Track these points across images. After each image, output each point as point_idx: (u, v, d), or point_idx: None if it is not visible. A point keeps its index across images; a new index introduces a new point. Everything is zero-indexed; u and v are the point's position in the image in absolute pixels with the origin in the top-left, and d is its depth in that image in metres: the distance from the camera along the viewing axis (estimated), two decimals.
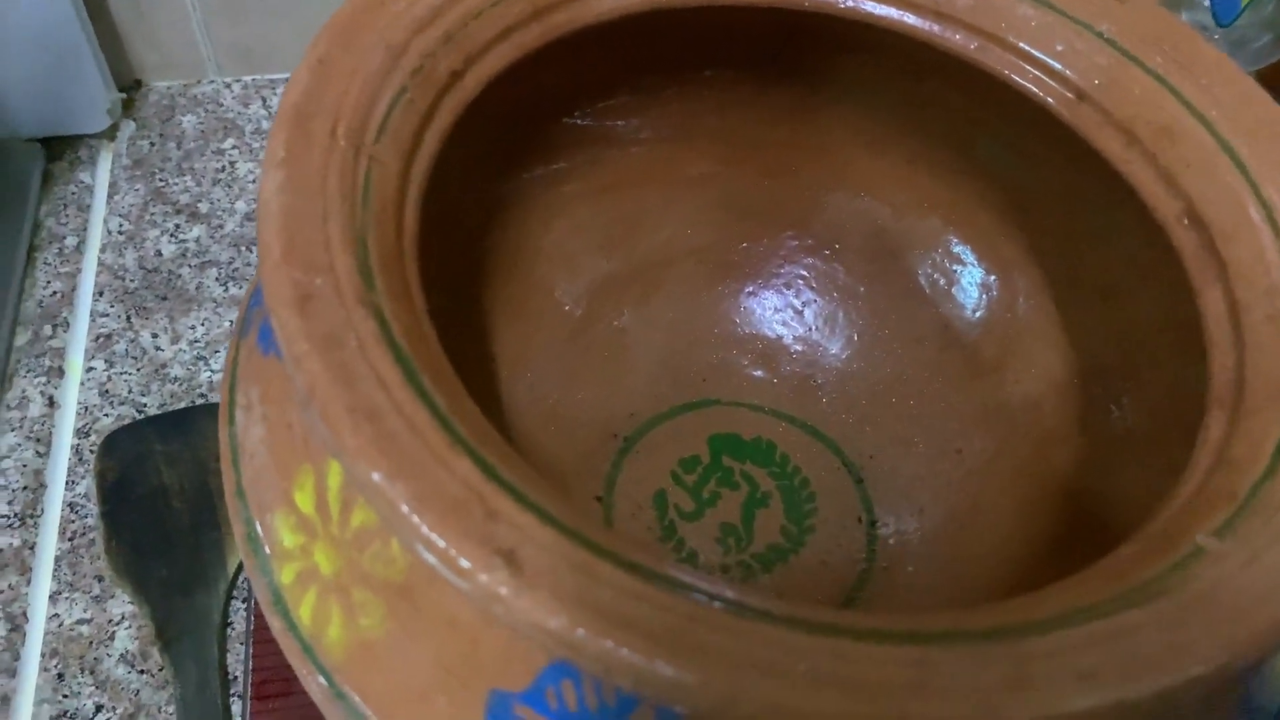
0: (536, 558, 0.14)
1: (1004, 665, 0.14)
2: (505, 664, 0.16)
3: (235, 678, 0.34)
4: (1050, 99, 0.23)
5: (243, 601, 0.35)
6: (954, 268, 0.31)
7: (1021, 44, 0.24)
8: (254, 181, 0.47)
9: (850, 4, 0.25)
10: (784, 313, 0.33)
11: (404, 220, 0.19)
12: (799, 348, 0.33)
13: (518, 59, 0.23)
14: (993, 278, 0.30)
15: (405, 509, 0.14)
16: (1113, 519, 0.25)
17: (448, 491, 0.15)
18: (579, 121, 0.29)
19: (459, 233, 0.27)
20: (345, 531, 0.18)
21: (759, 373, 0.33)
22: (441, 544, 0.14)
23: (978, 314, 0.30)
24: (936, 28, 0.25)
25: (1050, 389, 0.29)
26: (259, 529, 0.19)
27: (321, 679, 0.18)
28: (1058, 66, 0.23)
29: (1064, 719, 0.13)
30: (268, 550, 0.19)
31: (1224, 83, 0.22)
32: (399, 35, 0.21)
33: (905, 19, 0.25)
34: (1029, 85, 0.24)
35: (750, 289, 0.33)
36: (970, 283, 0.31)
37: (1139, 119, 0.22)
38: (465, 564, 0.14)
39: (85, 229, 0.45)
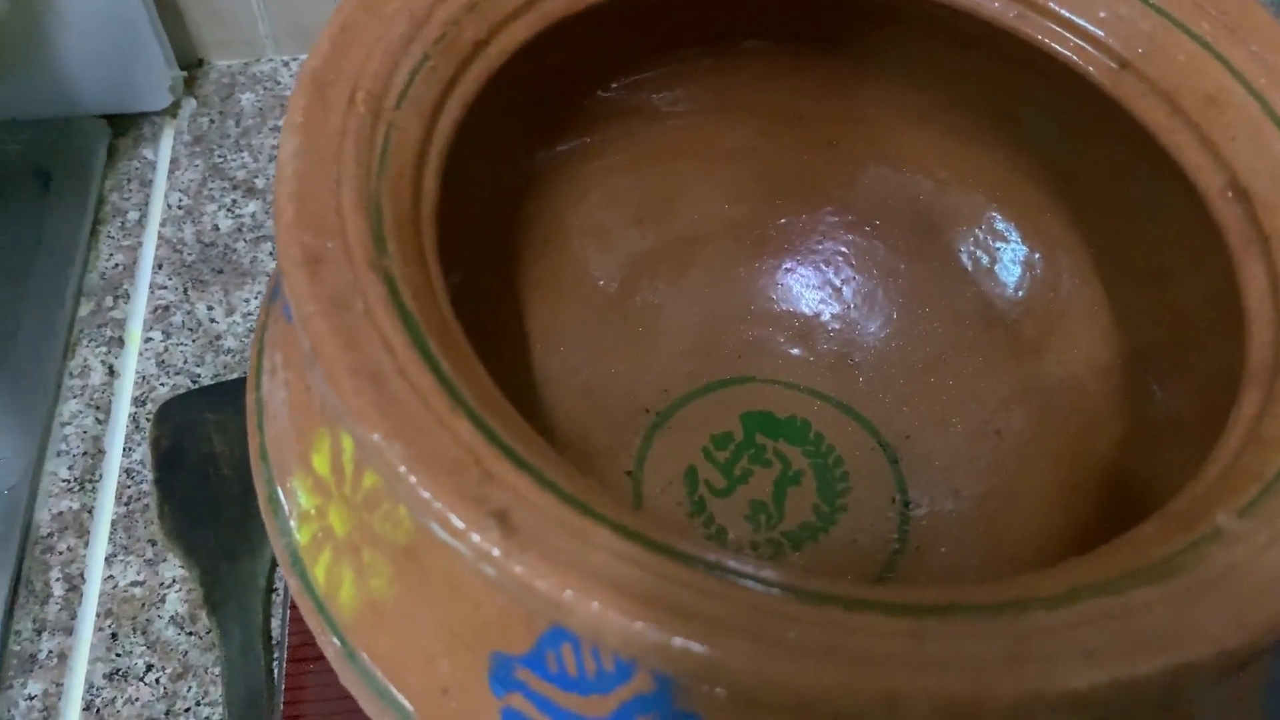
0: (529, 520, 0.14)
1: (1003, 639, 0.13)
2: (507, 627, 0.16)
3: (278, 642, 0.34)
4: (1092, 68, 0.23)
5: None
6: (997, 245, 0.30)
7: (1063, 10, 0.23)
8: None
9: None
10: (822, 290, 0.33)
11: (423, 187, 0.19)
12: (836, 325, 0.32)
13: (545, 29, 0.23)
14: (1037, 255, 0.29)
15: (402, 469, 0.15)
16: (1153, 504, 0.24)
17: (445, 453, 0.15)
18: (613, 94, 0.29)
19: (491, 207, 0.27)
20: (357, 493, 0.18)
21: (795, 350, 0.32)
22: (436, 505, 0.14)
23: (1020, 293, 0.30)
24: None
25: (1092, 370, 0.28)
26: (279, 491, 0.20)
27: (335, 639, 0.19)
28: (1100, 34, 0.23)
29: (1062, 697, 0.13)
30: (287, 511, 0.19)
31: (1275, 49, 0.21)
32: (422, 3, 0.21)
33: None
34: (1070, 54, 0.23)
35: (788, 265, 0.33)
36: (1013, 260, 0.30)
37: (1183, 87, 0.21)
38: (459, 524, 0.14)
39: (147, 203, 0.46)
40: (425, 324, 0.17)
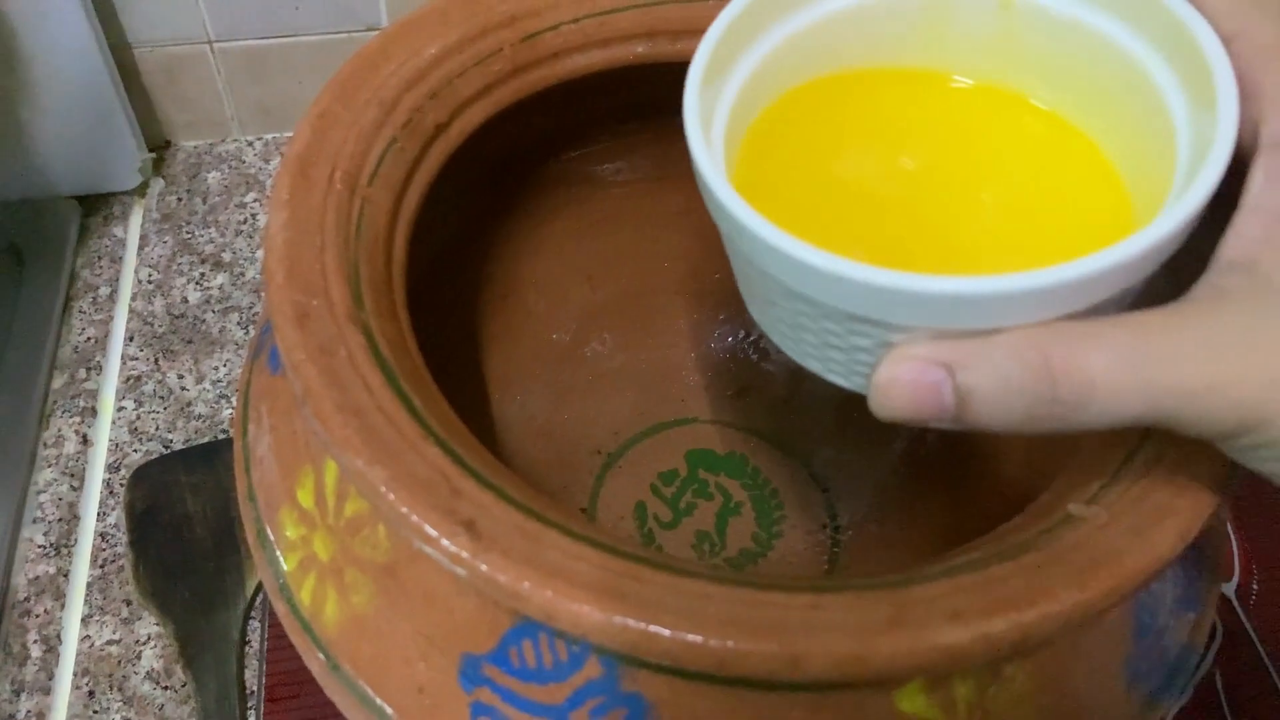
0: (493, 527, 0.17)
1: (886, 608, 0.16)
2: (474, 629, 0.19)
3: (252, 691, 0.36)
4: None
5: (259, 620, 0.38)
6: None
7: None
8: None
9: None
10: (757, 338, 0.36)
11: (393, 251, 0.22)
12: (771, 369, 0.35)
13: (497, 112, 0.26)
14: None
15: (383, 489, 0.17)
16: None
17: (419, 474, 0.17)
18: (563, 165, 0.32)
19: (453, 267, 0.30)
20: (340, 521, 0.20)
21: (733, 392, 0.35)
22: (413, 518, 0.17)
23: None
24: None
25: None
26: (266, 526, 0.22)
27: (320, 654, 0.21)
28: None
29: (935, 651, 0.16)
30: (274, 543, 0.22)
31: None
32: (390, 92, 0.24)
33: None
34: None
35: (724, 316, 0.36)
36: None
37: None
38: (432, 532, 0.17)
39: (117, 279, 0.49)
40: (398, 368, 0.19)
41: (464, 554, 0.17)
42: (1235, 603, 0.34)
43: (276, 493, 0.22)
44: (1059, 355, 0.16)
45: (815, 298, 0.18)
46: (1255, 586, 0.35)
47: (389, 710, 0.20)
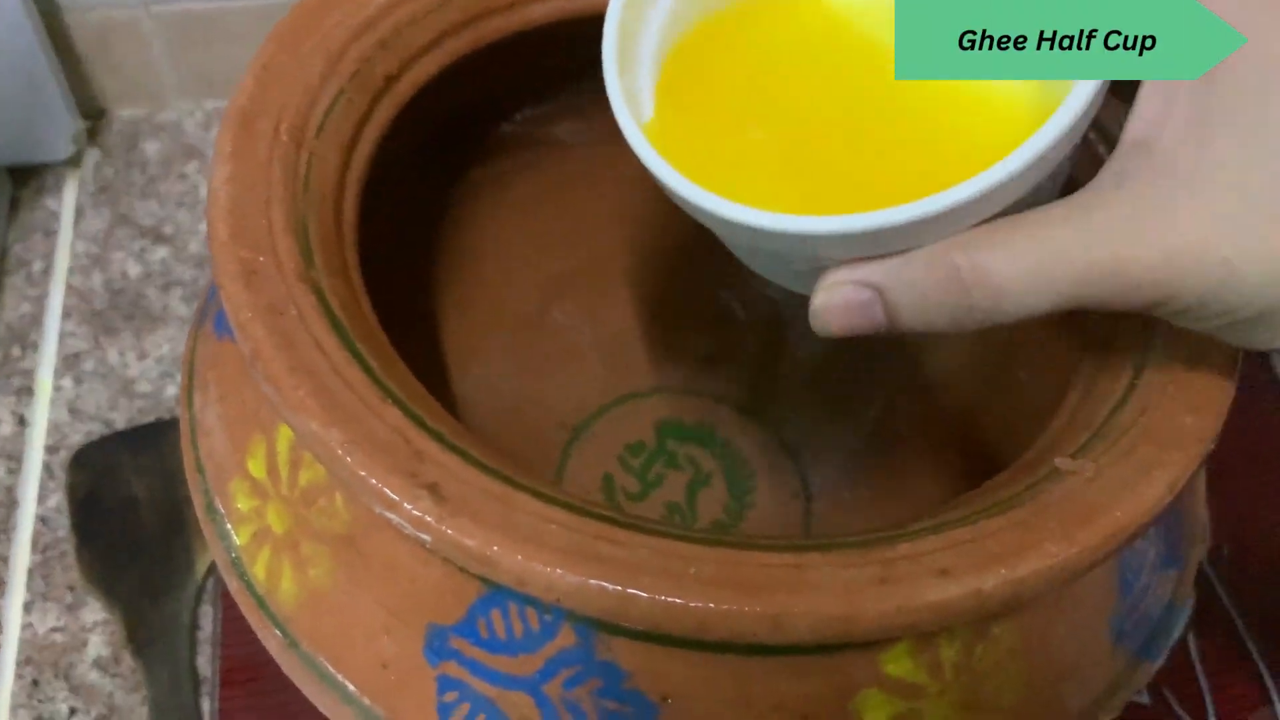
0: (458, 489, 0.16)
1: (872, 566, 0.16)
2: (440, 600, 0.18)
3: (205, 678, 0.35)
4: None
5: (211, 605, 0.36)
6: None
7: None
8: None
9: None
10: (727, 305, 0.35)
11: (343, 209, 0.21)
12: (740, 336, 0.35)
13: (450, 63, 0.25)
14: None
15: (340, 452, 0.16)
16: None
17: (378, 436, 0.16)
18: (517, 126, 0.31)
19: (405, 232, 0.29)
20: (294, 491, 0.19)
21: (702, 361, 0.34)
22: (372, 481, 0.16)
23: None
24: None
25: (969, 366, 0.31)
26: (216, 498, 0.21)
27: (277, 632, 0.20)
28: None
29: (925, 609, 0.15)
30: (224, 516, 0.21)
31: None
32: (337, 43, 0.22)
33: None
34: None
35: (690, 283, 0.35)
36: None
37: None
38: (394, 496, 0.16)
39: (52, 253, 0.47)
40: (352, 328, 0.18)
41: (428, 519, 0.16)
42: (1208, 568, 0.35)
43: (226, 464, 0.21)
44: (965, 264, 0.17)
45: (743, 243, 0.20)
46: (1225, 551, 0.35)
47: (351, 687, 0.19)
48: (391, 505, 0.16)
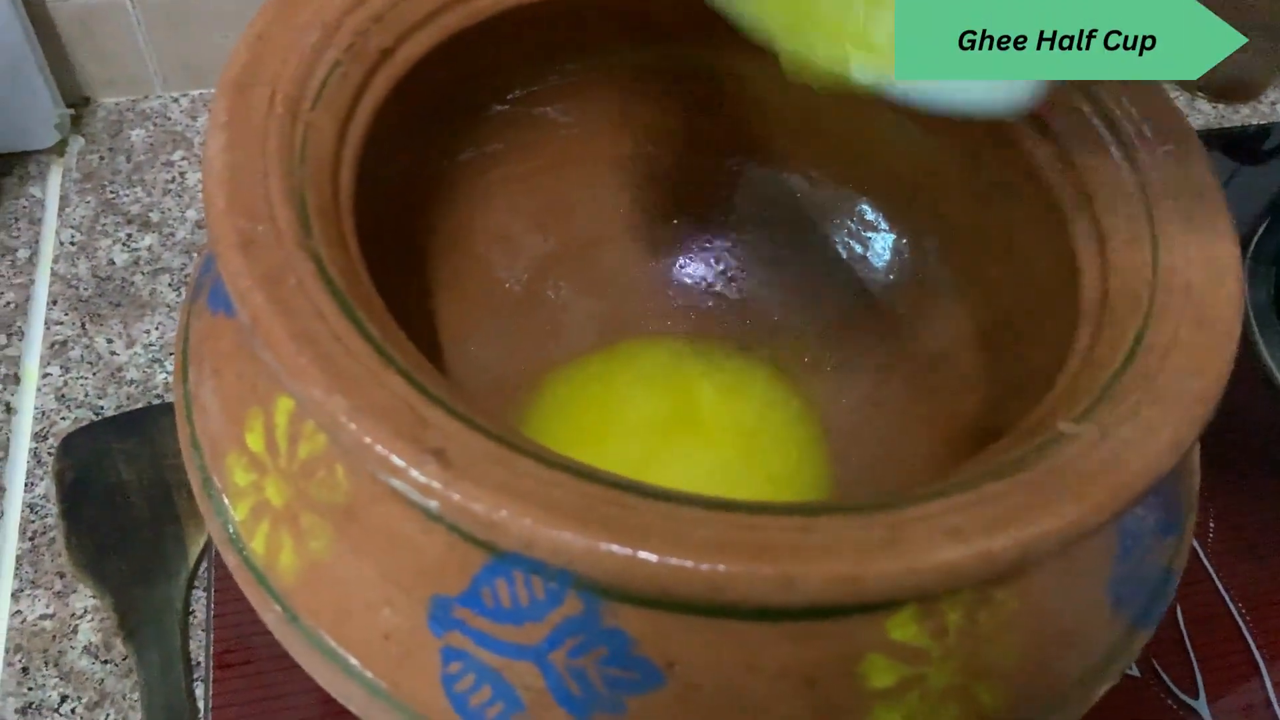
0: (463, 455, 0.16)
1: (880, 528, 0.16)
2: (443, 570, 0.18)
3: (198, 663, 0.35)
4: None
5: (203, 591, 0.36)
6: (868, 234, 0.33)
7: None
8: None
9: None
10: (715, 284, 0.35)
11: (340, 180, 0.21)
12: (730, 316, 0.35)
13: (444, 39, 0.25)
14: (904, 241, 0.32)
15: (344, 419, 0.16)
16: None
17: (382, 403, 0.16)
18: (509, 106, 0.31)
19: (399, 209, 0.29)
20: (293, 463, 0.19)
21: (692, 341, 0.34)
22: (377, 448, 0.16)
23: (891, 275, 0.33)
24: None
25: (960, 341, 0.31)
26: (213, 474, 0.21)
27: (276, 606, 0.20)
28: None
29: (935, 570, 0.15)
30: (222, 491, 0.20)
31: None
32: (332, 14, 0.22)
33: None
34: None
35: (681, 263, 0.35)
36: (883, 247, 0.33)
37: None
38: (399, 462, 0.16)
39: (37, 241, 0.46)
40: (352, 297, 0.18)
41: (435, 484, 0.15)
42: (1195, 543, 0.35)
43: (223, 439, 0.20)
44: None
45: None
46: (1212, 525, 0.36)
47: (353, 661, 0.19)
48: (397, 472, 0.16)
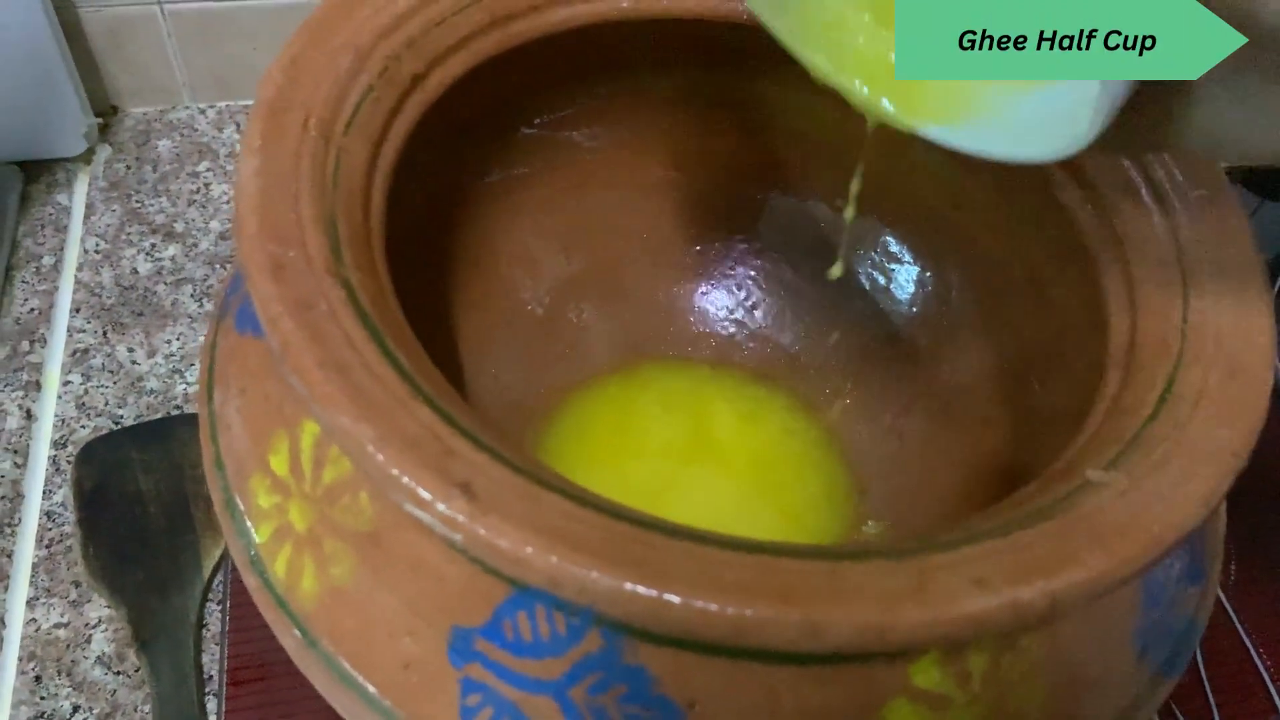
0: (490, 488, 0.16)
1: (907, 575, 0.16)
2: (465, 601, 0.18)
3: (210, 676, 0.35)
4: None
5: (218, 603, 0.36)
6: (891, 265, 0.33)
7: None
8: (228, 202, 0.49)
9: None
10: (735, 310, 0.35)
11: (371, 205, 0.21)
12: (750, 343, 0.35)
13: (476, 65, 0.25)
14: (928, 273, 0.32)
15: (371, 449, 0.16)
16: None
17: (409, 433, 0.16)
18: (536, 130, 0.31)
19: (427, 231, 0.29)
20: (317, 488, 0.19)
21: (713, 367, 0.34)
22: (404, 479, 0.16)
23: (914, 308, 0.32)
24: None
25: (981, 374, 0.31)
26: (236, 495, 0.21)
27: (296, 630, 0.20)
28: None
29: (961, 620, 0.15)
30: (244, 513, 0.20)
31: None
32: (366, 39, 0.22)
33: None
34: None
35: (703, 289, 0.35)
36: (907, 279, 0.33)
37: None
38: (425, 495, 0.16)
39: (62, 248, 0.46)
40: (382, 325, 0.18)
41: (460, 518, 0.15)
42: (1216, 587, 0.35)
43: (247, 460, 0.20)
44: None
45: None
46: (1234, 568, 0.35)
47: (371, 688, 0.18)
48: (423, 504, 0.16)
